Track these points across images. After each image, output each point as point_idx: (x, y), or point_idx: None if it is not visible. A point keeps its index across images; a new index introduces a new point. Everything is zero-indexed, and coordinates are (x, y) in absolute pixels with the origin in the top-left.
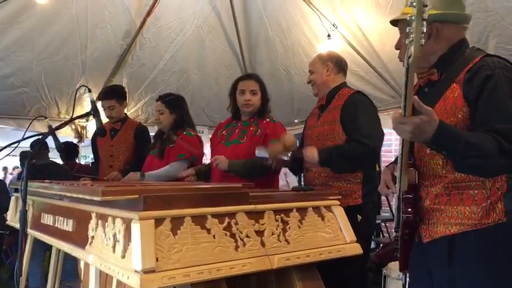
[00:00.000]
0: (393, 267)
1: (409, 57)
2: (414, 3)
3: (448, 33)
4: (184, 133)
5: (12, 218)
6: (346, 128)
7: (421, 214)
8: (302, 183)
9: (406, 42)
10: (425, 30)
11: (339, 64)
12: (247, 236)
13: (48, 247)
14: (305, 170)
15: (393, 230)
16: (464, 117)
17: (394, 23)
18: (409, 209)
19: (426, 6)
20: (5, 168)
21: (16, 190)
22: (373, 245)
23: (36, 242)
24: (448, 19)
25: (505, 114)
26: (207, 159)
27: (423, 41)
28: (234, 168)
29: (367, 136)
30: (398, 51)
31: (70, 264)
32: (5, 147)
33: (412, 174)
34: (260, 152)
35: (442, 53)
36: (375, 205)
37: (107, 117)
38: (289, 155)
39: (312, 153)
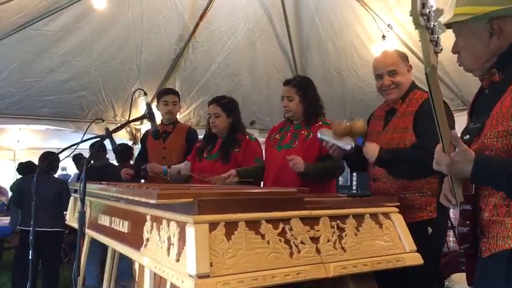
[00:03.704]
0: (456, 279)
1: (426, 69)
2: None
3: (510, 29)
4: (247, 137)
5: (70, 218)
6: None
7: (481, 227)
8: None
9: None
10: (437, 38)
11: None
12: (302, 243)
13: (105, 247)
14: (371, 180)
15: (450, 239)
16: None
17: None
18: (467, 222)
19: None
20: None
21: (75, 191)
22: None
23: (94, 241)
24: (509, 13)
25: None
26: None
27: (439, 48)
28: (310, 171)
29: (435, 145)
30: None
31: (125, 264)
32: (65, 149)
33: (467, 184)
34: (323, 135)
35: (503, 51)
36: (447, 217)
37: (166, 113)
38: (352, 145)
39: (372, 149)
